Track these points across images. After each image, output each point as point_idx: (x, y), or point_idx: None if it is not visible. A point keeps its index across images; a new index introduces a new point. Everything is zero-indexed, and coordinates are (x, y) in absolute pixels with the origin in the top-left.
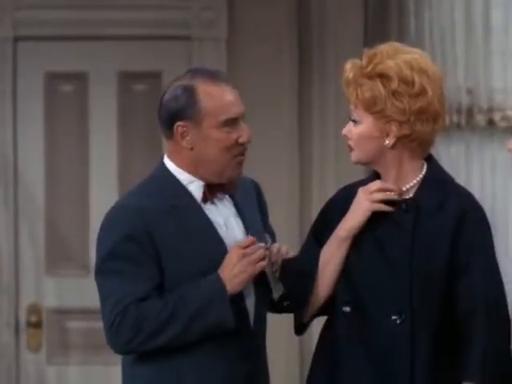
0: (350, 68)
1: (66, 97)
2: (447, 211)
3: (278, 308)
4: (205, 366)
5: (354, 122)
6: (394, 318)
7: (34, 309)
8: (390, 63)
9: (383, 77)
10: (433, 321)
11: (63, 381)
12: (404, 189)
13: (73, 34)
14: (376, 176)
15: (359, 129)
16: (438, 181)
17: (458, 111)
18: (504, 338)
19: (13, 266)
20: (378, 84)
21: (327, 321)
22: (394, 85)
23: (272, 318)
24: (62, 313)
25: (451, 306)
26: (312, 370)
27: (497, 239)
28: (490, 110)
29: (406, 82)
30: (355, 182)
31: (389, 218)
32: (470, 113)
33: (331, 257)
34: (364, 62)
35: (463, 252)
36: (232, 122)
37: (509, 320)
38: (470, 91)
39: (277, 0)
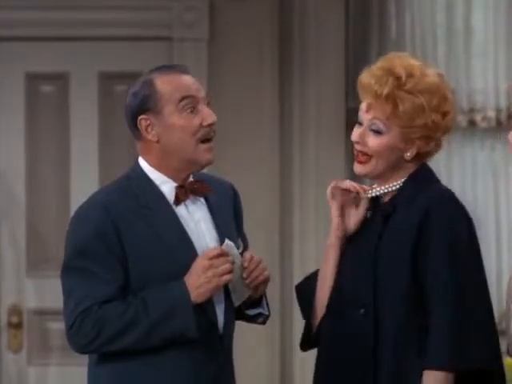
0: (381, 83)
1: (46, 97)
2: (416, 205)
3: (243, 316)
4: (171, 368)
5: (377, 132)
6: (360, 311)
7: (15, 310)
8: (431, 79)
9: (427, 92)
10: (398, 310)
11: (43, 381)
12: (385, 190)
13: (54, 35)
14: None
15: (383, 139)
16: (416, 181)
17: None
18: (467, 324)
19: None
20: (421, 99)
21: None
22: (436, 100)
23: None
24: (43, 314)
25: (417, 296)
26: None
27: (478, 239)
28: (471, 110)
29: (445, 99)
30: None
31: (366, 223)
32: None
33: (325, 269)
34: (403, 77)
35: (426, 240)
36: (190, 104)
37: (476, 306)
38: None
39: (258, 1)
